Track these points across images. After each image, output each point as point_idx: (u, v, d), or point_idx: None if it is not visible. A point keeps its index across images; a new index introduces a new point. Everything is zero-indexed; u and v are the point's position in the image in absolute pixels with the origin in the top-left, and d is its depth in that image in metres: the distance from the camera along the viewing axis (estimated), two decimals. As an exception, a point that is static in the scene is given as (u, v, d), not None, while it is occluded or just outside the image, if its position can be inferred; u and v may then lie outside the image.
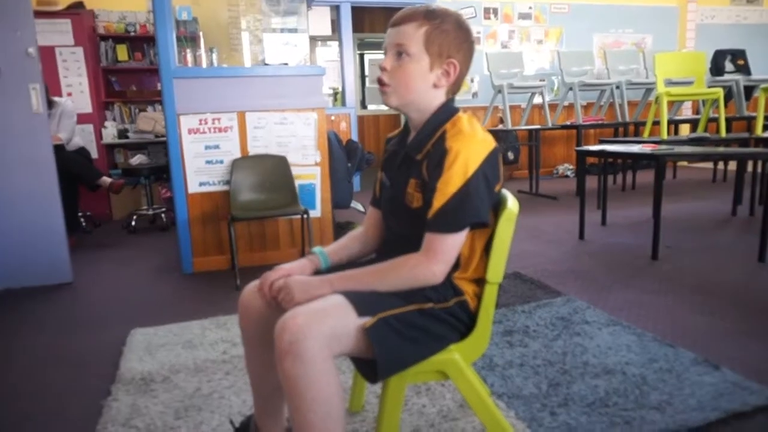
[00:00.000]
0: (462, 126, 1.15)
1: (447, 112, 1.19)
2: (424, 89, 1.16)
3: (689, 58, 5.15)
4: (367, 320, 1.04)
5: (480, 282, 1.20)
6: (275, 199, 3.20)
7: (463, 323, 1.18)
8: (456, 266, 1.16)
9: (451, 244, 1.11)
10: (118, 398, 1.73)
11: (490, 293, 1.18)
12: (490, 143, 1.15)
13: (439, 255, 1.10)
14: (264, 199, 3.19)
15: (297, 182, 3.29)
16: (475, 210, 1.11)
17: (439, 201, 1.11)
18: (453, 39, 1.14)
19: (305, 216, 3.04)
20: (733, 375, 1.72)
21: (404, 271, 1.11)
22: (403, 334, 1.08)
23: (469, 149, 1.11)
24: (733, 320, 2.18)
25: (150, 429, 1.54)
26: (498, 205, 1.19)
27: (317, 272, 1.25)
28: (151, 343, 2.16)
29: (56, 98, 4.34)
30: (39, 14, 4.57)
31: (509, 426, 1.24)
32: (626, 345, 1.97)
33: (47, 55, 4.88)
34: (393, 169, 1.27)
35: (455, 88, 1.20)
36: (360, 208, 3.99)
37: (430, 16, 1.14)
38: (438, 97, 1.18)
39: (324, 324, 0.99)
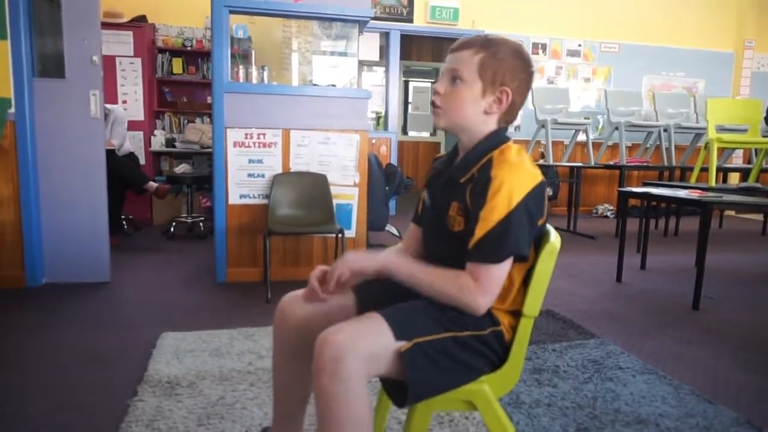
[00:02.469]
0: (509, 155, 1.15)
1: (497, 139, 1.19)
2: (474, 114, 1.17)
3: (744, 105, 5.02)
4: (404, 344, 1.03)
5: (516, 314, 1.18)
6: (312, 217, 3.23)
7: (496, 354, 1.16)
8: (500, 298, 1.14)
9: (496, 276, 1.10)
10: (143, 399, 1.75)
11: (526, 327, 1.16)
12: (536, 176, 1.14)
13: (485, 286, 1.09)
14: (301, 215, 3.23)
15: (335, 201, 3.32)
16: (515, 242, 1.10)
17: (481, 230, 1.11)
18: (507, 67, 1.15)
19: (340, 235, 3.06)
20: (777, 438, 1.62)
21: (453, 286, 1.10)
22: (436, 362, 1.07)
23: (514, 180, 1.11)
24: (778, 380, 2.07)
25: (172, 433, 1.55)
26: (540, 238, 1.17)
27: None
28: (180, 347, 2.19)
29: (109, 105, 4.53)
30: (105, 25, 4.82)
31: None
32: (661, 396, 1.89)
33: (108, 63, 5.13)
34: (436, 190, 1.28)
35: (509, 117, 1.20)
36: (394, 231, 3.99)
37: (487, 44, 1.16)
38: (489, 124, 1.19)
39: (364, 343, 0.99)
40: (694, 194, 3.24)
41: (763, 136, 4.80)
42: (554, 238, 1.16)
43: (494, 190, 1.10)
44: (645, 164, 5.73)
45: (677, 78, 7.09)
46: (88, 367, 2.04)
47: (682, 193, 3.30)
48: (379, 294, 1.24)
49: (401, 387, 1.05)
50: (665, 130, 5.91)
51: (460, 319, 1.11)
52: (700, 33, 7.13)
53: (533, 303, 1.15)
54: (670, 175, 5.90)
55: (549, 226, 1.20)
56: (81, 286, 3.09)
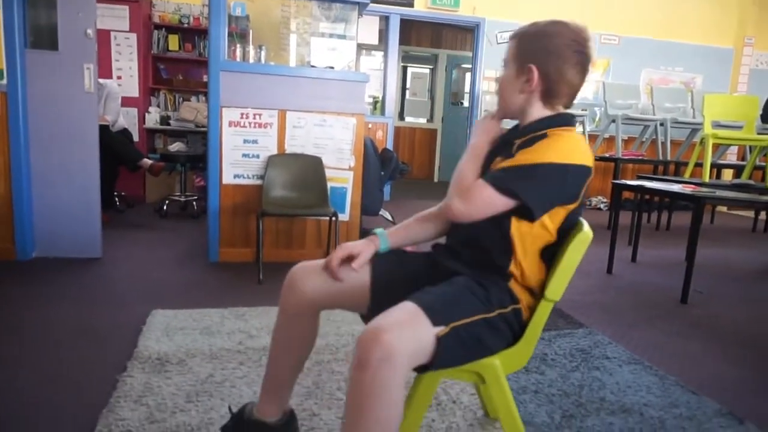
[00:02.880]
0: (569, 134, 1.20)
1: (559, 119, 1.24)
2: (511, 95, 1.26)
3: (740, 102, 5.02)
4: (441, 329, 1.05)
5: (533, 293, 1.22)
6: (306, 199, 3.22)
7: (512, 332, 1.19)
8: (508, 259, 1.19)
9: (485, 195, 1.15)
10: (132, 375, 1.75)
11: (545, 309, 1.19)
12: (586, 158, 1.18)
13: (469, 196, 1.17)
14: (295, 197, 3.22)
15: (329, 184, 3.31)
16: (527, 188, 1.13)
17: (507, 163, 1.18)
18: (535, 46, 1.21)
19: (334, 218, 3.06)
20: (758, 431, 1.64)
21: (453, 183, 1.24)
22: (466, 342, 1.10)
23: (563, 148, 1.16)
24: (763, 374, 2.10)
25: (160, 408, 1.56)
26: (574, 227, 1.20)
27: (376, 254, 1.30)
28: (170, 325, 2.19)
29: (102, 80, 4.47)
30: (101, -2, 4.75)
31: None
32: (647, 386, 1.91)
33: (102, 38, 5.06)
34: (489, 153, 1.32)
35: (553, 97, 1.23)
36: (388, 216, 3.99)
37: (525, 28, 1.24)
38: (534, 105, 1.24)
39: (411, 342, 1.00)
40: (687, 189, 3.26)
41: (759, 134, 4.81)
42: (587, 228, 1.18)
43: (541, 144, 1.17)
44: (640, 158, 5.74)
45: (676, 73, 7.08)
46: (78, 341, 2.03)
47: (675, 188, 3.32)
48: (393, 273, 1.28)
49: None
50: (662, 125, 5.92)
51: (487, 298, 1.14)
52: (700, 28, 7.11)
53: (557, 288, 1.17)
54: (665, 169, 5.93)
55: (583, 219, 1.23)
56: (72, 261, 3.07)
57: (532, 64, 1.20)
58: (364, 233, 3.67)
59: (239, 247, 3.32)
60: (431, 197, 6.94)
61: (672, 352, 2.26)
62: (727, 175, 6.50)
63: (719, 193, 3.22)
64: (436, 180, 9.34)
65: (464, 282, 1.17)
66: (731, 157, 7.11)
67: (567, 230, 1.21)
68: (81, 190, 3.13)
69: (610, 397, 1.81)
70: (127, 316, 2.30)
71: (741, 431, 1.64)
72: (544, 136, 1.20)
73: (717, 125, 5.12)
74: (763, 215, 5.94)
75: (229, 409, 1.40)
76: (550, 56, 1.19)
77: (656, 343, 2.36)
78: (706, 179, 4.41)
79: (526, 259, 1.20)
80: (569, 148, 1.16)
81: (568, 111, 1.28)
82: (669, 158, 5.90)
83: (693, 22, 7.06)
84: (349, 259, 1.27)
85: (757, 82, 7.27)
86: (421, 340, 1.02)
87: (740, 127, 4.81)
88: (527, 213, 1.16)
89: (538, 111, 1.25)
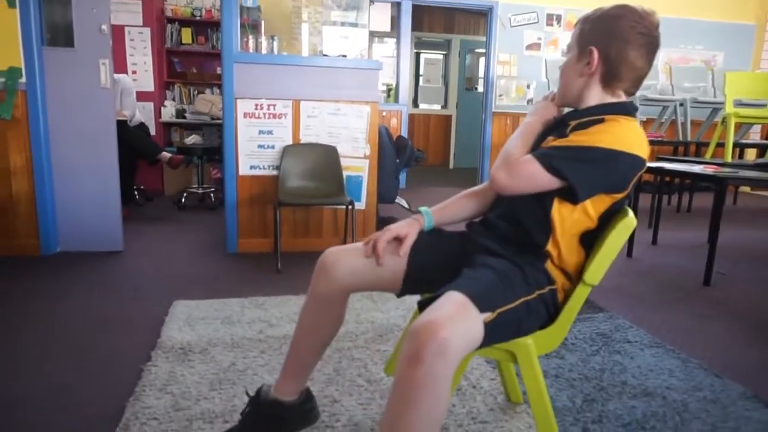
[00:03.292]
0: (628, 122, 1.18)
1: (620, 107, 1.22)
2: (572, 79, 1.26)
3: (764, 79, 4.89)
4: (488, 315, 1.06)
5: (569, 276, 1.22)
6: (322, 188, 3.23)
7: (548, 313, 1.20)
8: (546, 238, 1.19)
9: (529, 170, 1.16)
10: (157, 364, 1.78)
11: (582, 293, 1.18)
12: (642, 149, 1.16)
13: (513, 167, 1.18)
14: (311, 186, 3.23)
15: (345, 173, 3.32)
16: (574, 169, 1.12)
17: (558, 142, 1.18)
18: (597, 28, 1.21)
19: (350, 207, 3.06)
20: (784, 412, 1.62)
21: (503, 152, 1.24)
22: (510, 327, 1.12)
23: (621, 136, 1.14)
24: (787, 356, 2.06)
25: (185, 396, 1.59)
26: (618, 212, 1.19)
27: (421, 232, 1.32)
28: (192, 315, 2.22)
29: (115, 75, 4.51)
30: (114, -7, 4.79)
31: (557, 427, 1.21)
32: (669, 369, 1.89)
33: (116, 33, 5.10)
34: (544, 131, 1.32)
35: (613, 81, 1.21)
36: (404, 204, 3.99)
37: (588, 13, 1.24)
38: (591, 88, 1.23)
39: (463, 336, 1.00)
40: (708, 170, 3.19)
41: (782, 111, 4.69)
42: (632, 215, 1.17)
43: (598, 128, 1.16)
44: (660, 139, 5.64)
45: (696, 51, 6.92)
46: (102, 332, 2.08)
47: (696, 169, 3.26)
48: (429, 255, 1.29)
49: None
50: (681, 105, 5.79)
51: (526, 280, 1.15)
52: (721, 4, 6.92)
53: (596, 272, 1.16)
54: (686, 150, 5.82)
55: (627, 207, 1.22)
56: (94, 255, 3.13)
57: (592, 46, 1.19)
58: (381, 221, 3.69)
59: (257, 238, 3.35)
60: (447, 184, 6.91)
61: (695, 335, 2.24)
62: (750, 154, 6.36)
63: (742, 173, 3.16)
64: (451, 167, 9.30)
65: (503, 265, 1.16)
66: (754, 136, 6.94)
67: (609, 216, 1.20)
68: (101, 184, 3.18)
69: (631, 380, 1.80)
70: (149, 307, 2.34)
71: (766, 414, 1.62)
72: (602, 120, 1.18)
73: (739, 104, 4.99)
74: (787, 195, 5.81)
75: (246, 393, 1.42)
76: (611, 38, 1.18)
77: (678, 326, 2.33)
78: (729, 159, 4.32)
79: (564, 241, 1.19)
80: (625, 135, 1.14)
81: (630, 100, 1.25)
82: (689, 139, 5.78)
83: (713, -2, 6.88)
84: (394, 241, 1.29)
85: (781, 58, 7.07)
86: (471, 330, 1.03)
87: (764, 105, 4.69)
88: (571, 195, 1.14)
89: (598, 95, 1.23)
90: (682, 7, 6.73)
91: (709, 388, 1.77)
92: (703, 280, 2.93)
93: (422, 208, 1.36)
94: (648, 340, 2.14)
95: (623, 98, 1.23)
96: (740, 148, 5.96)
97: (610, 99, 1.23)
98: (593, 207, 1.18)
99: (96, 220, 3.20)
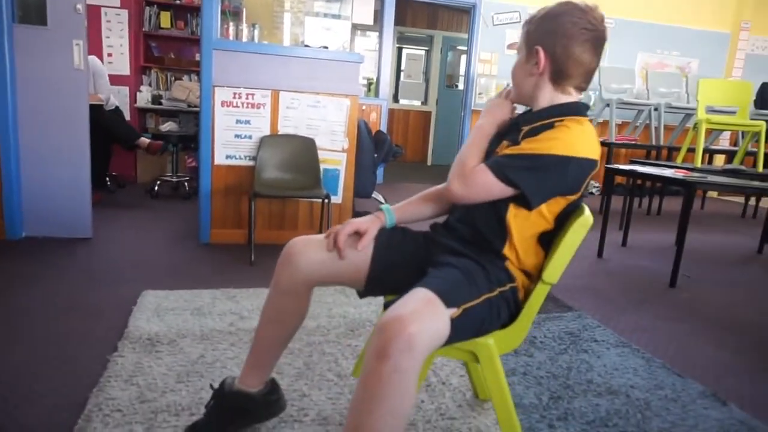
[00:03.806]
0: (577, 125, 1.18)
1: (573, 108, 1.23)
2: (522, 79, 1.27)
3: (735, 87, 5.02)
4: (454, 311, 1.07)
5: (529, 275, 1.24)
6: (299, 180, 3.21)
7: (508, 311, 1.21)
8: (502, 243, 1.21)
9: (483, 180, 1.17)
10: (123, 354, 1.75)
11: (542, 292, 1.20)
12: (593, 151, 1.17)
13: (468, 178, 1.19)
14: (288, 178, 3.20)
15: (322, 166, 3.30)
16: (526, 178, 1.14)
17: (511, 150, 1.19)
18: (542, 28, 1.22)
19: (326, 200, 3.05)
20: (741, 413, 1.68)
21: (455, 163, 1.24)
22: (474, 324, 1.13)
23: (571, 139, 1.15)
24: (746, 358, 2.13)
25: (151, 388, 1.57)
26: (574, 211, 1.21)
27: (382, 229, 1.32)
28: (161, 305, 2.19)
29: None
30: (90, -27, 4.66)
31: (519, 426, 1.23)
32: (633, 368, 1.94)
33: (92, 14, 4.97)
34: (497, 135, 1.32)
35: (561, 79, 1.22)
36: (381, 199, 3.99)
37: (533, 14, 1.25)
38: (542, 88, 1.24)
39: (430, 332, 1.00)
40: (678, 174, 3.27)
41: (752, 119, 4.82)
42: (588, 213, 1.19)
43: (548, 135, 1.16)
44: (634, 142, 5.75)
45: (672, 57, 7.06)
46: (68, 321, 2.03)
47: (667, 173, 3.33)
48: (393, 252, 1.29)
49: None
50: (656, 109, 5.91)
51: (488, 278, 1.16)
52: (697, 12, 7.07)
53: (554, 270, 1.18)
54: (658, 154, 5.94)
55: (584, 204, 1.24)
56: (62, 241, 3.06)
57: (538, 46, 1.20)
58: (357, 215, 3.67)
59: (231, 229, 3.31)
60: (425, 180, 6.93)
61: (659, 335, 2.29)
62: (719, 160, 6.53)
63: (710, 178, 3.24)
64: (429, 163, 9.33)
65: (466, 264, 1.18)
66: (723, 142, 7.13)
67: (566, 216, 1.22)
68: (71, 169, 3.10)
69: (597, 379, 1.84)
70: (117, 296, 2.30)
71: (724, 412, 1.67)
72: (551, 126, 1.19)
73: (711, 110, 5.12)
74: (753, 201, 5.98)
75: (210, 385, 1.41)
76: (555, 35, 1.19)
77: (644, 326, 2.39)
78: (698, 164, 4.43)
79: (522, 244, 1.21)
80: (575, 140, 1.15)
81: (580, 99, 1.26)
82: (662, 143, 5.91)
83: (690, 5, 7.01)
84: (354, 235, 1.28)
85: (753, 67, 7.26)
86: (438, 326, 1.03)
87: (734, 113, 4.82)
88: (525, 201, 1.17)
89: (549, 94, 1.24)
90: (660, 14, 6.85)
91: (671, 387, 1.82)
92: (670, 281, 3.00)
93: (384, 206, 1.36)
94: (614, 339, 2.19)
95: (574, 95, 1.25)
96: (710, 153, 6.12)
97: (561, 97, 1.24)
98: (548, 209, 1.20)
99: (65, 206, 3.12)
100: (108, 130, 4.29)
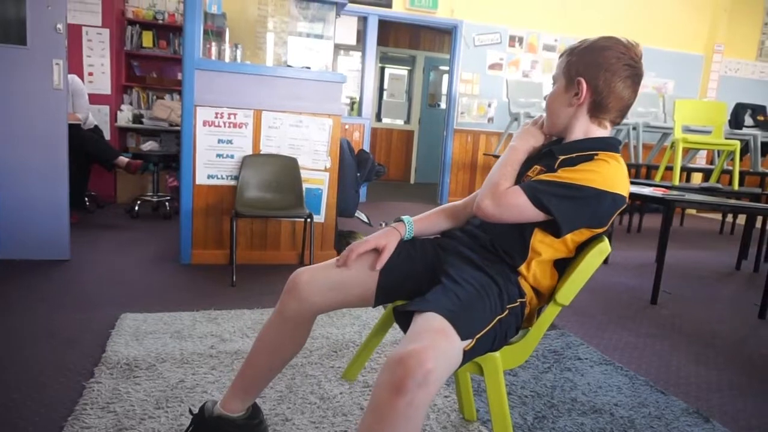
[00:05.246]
0: (615, 161, 1.20)
1: (608, 142, 1.24)
2: (560, 108, 1.27)
3: (709, 107, 5.15)
4: (468, 343, 1.07)
5: (538, 294, 1.25)
6: (281, 200, 3.19)
7: (516, 327, 1.22)
8: (521, 261, 1.22)
9: (515, 202, 1.17)
10: (100, 381, 1.71)
11: (552, 312, 1.22)
12: (626, 189, 1.19)
13: (499, 197, 1.19)
14: (270, 198, 3.19)
15: (305, 185, 3.29)
16: (561, 207, 1.14)
17: (546, 177, 1.19)
18: (585, 60, 1.22)
19: (309, 220, 3.03)
20: (723, 429, 1.69)
21: (487, 180, 1.25)
22: (484, 347, 1.13)
23: (609, 175, 1.16)
24: (728, 374, 2.15)
25: (129, 415, 1.52)
26: (594, 238, 1.23)
27: (401, 241, 1.31)
28: (140, 329, 2.15)
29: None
30: (71, -8, 4.64)
31: None
32: (617, 386, 1.94)
33: (74, 33, 4.94)
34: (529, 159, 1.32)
35: (602, 113, 1.24)
36: (364, 218, 3.98)
37: (574, 44, 1.26)
38: (581, 120, 1.25)
39: (446, 364, 1.00)
40: (657, 192, 3.32)
41: (726, 138, 4.94)
42: (606, 242, 1.21)
43: (587, 167, 1.17)
44: (613, 161, 5.83)
45: (648, 77, 7.21)
46: (43, 346, 1.98)
47: (646, 191, 3.38)
48: (402, 273, 1.28)
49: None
50: (634, 128, 6.03)
51: (500, 296, 1.16)
52: (673, 35, 7.27)
53: (568, 293, 1.20)
54: (637, 172, 6.04)
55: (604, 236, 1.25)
56: (39, 264, 2.99)
57: (581, 77, 1.21)
58: (340, 235, 3.66)
59: (212, 249, 3.28)
60: (408, 199, 6.95)
61: (642, 353, 2.30)
62: (697, 178, 6.66)
63: (688, 196, 3.30)
64: (412, 182, 9.36)
65: (480, 279, 1.17)
66: (700, 160, 7.29)
67: (585, 243, 1.24)
68: (49, 190, 3.05)
69: (581, 397, 1.84)
70: (95, 320, 2.25)
71: (707, 429, 1.68)
72: (590, 158, 1.20)
73: (687, 130, 5.24)
74: (729, 218, 6.10)
75: (189, 410, 1.38)
76: (599, 69, 1.20)
77: (627, 343, 2.40)
78: (676, 182, 4.51)
79: (540, 266, 1.23)
80: (612, 176, 1.17)
81: (614, 136, 1.28)
82: (641, 161, 6.02)
83: (666, 28, 7.22)
84: (372, 252, 1.28)
85: (726, 88, 7.47)
86: (452, 359, 1.03)
87: (709, 132, 4.93)
88: (554, 228, 1.17)
89: (584, 125, 1.25)
90: (637, 35, 6.95)
91: (654, 404, 1.82)
92: (651, 298, 3.03)
93: (405, 217, 1.36)
94: (598, 357, 2.19)
95: (608, 129, 1.27)
96: (687, 171, 6.24)
97: (596, 129, 1.25)
98: (572, 239, 1.22)
99: (42, 227, 3.06)
100: (86, 150, 4.23)
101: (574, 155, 1.22)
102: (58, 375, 1.76)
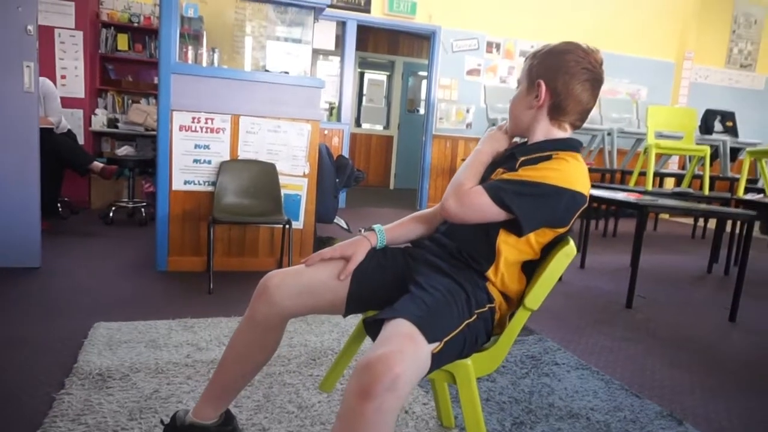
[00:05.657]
0: (574, 160, 1.22)
1: (568, 143, 1.27)
2: (521, 110, 1.30)
3: (680, 114, 5.27)
4: (436, 346, 1.07)
5: (507, 299, 1.26)
6: (259, 206, 3.17)
7: (486, 332, 1.22)
8: (488, 265, 1.23)
9: (478, 202, 1.19)
10: (71, 392, 1.67)
11: (522, 317, 1.22)
12: (585, 187, 1.21)
13: (463, 197, 1.20)
14: (248, 204, 3.16)
15: (283, 191, 3.27)
16: (522, 204, 1.16)
17: (508, 176, 1.21)
18: (543, 63, 1.25)
19: (287, 226, 3.01)
20: (696, 431, 1.72)
21: (452, 182, 1.26)
22: (453, 351, 1.13)
23: (568, 173, 1.18)
24: (700, 376, 2.19)
25: (101, 427, 1.49)
26: (558, 242, 1.24)
27: (373, 250, 1.31)
28: (114, 338, 2.10)
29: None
30: (44, -6, 4.55)
31: None
32: (593, 390, 1.96)
33: (46, 35, 4.84)
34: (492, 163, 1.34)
35: (561, 115, 1.26)
36: (343, 224, 3.97)
37: (536, 49, 1.29)
38: (539, 121, 1.27)
39: (414, 368, 1.00)
40: (631, 197, 3.39)
41: (697, 144, 5.06)
42: (572, 244, 1.22)
43: (546, 165, 1.20)
44: (589, 166, 5.92)
45: (622, 84, 7.37)
46: (11, 357, 1.92)
47: (621, 196, 3.44)
48: (372, 282, 1.28)
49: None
50: (609, 134, 6.14)
51: (468, 301, 1.17)
52: (645, 42, 7.43)
53: (536, 297, 1.20)
54: (612, 177, 6.15)
55: (569, 237, 1.26)
56: (7, 271, 2.91)
57: (541, 80, 1.24)
58: (319, 241, 3.65)
59: (189, 256, 3.23)
60: (387, 205, 6.96)
61: (617, 357, 2.34)
62: (669, 183, 6.81)
63: (661, 201, 3.37)
64: (392, 187, 9.38)
65: (447, 285, 1.18)
66: (673, 166, 7.45)
67: (551, 245, 1.25)
68: (19, 196, 2.97)
69: (558, 402, 1.85)
70: (67, 329, 2.19)
71: (680, 431, 1.71)
72: (550, 157, 1.22)
73: (660, 135, 5.35)
74: (701, 222, 6.24)
75: (161, 421, 1.35)
76: (558, 72, 1.23)
77: (603, 347, 2.43)
78: (650, 188, 4.60)
79: (507, 269, 1.24)
80: (571, 173, 1.19)
81: (574, 136, 1.30)
82: (615, 167, 6.13)
83: (638, 35, 7.37)
84: (339, 260, 1.28)
85: (697, 95, 7.66)
86: (421, 363, 1.03)
87: (681, 138, 5.04)
88: (516, 227, 1.19)
89: (545, 128, 1.27)
90: (610, 42, 7.16)
91: (629, 408, 1.85)
92: (626, 302, 3.08)
93: (376, 226, 1.36)
94: (575, 362, 2.22)
95: (569, 131, 1.29)
96: (660, 177, 6.38)
97: (557, 132, 1.28)
98: (536, 239, 1.23)
99: (11, 233, 2.98)
100: (59, 154, 4.15)
101: (534, 156, 1.25)
102: (27, 386, 1.71)
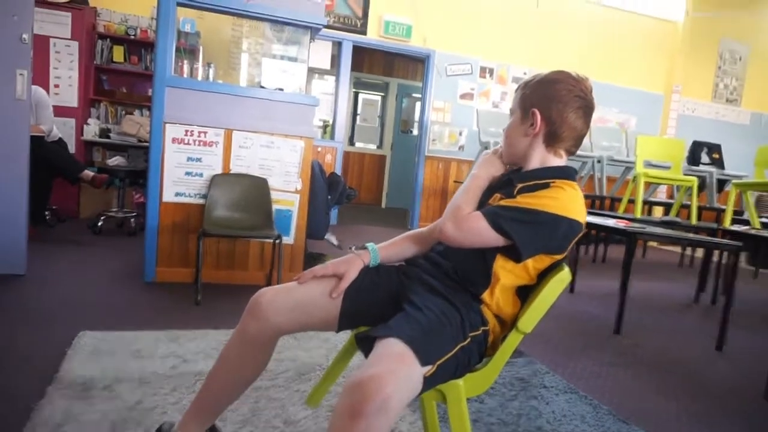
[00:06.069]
0: (571, 188, 1.23)
1: (565, 171, 1.28)
2: (517, 138, 1.31)
3: (669, 144, 5.37)
4: (429, 369, 1.06)
5: (501, 321, 1.26)
6: (250, 220, 3.15)
7: (479, 354, 1.22)
8: (484, 289, 1.23)
9: (476, 226, 1.19)
10: (52, 402, 1.63)
11: (515, 340, 1.22)
12: (581, 216, 1.22)
13: (461, 222, 1.21)
14: (238, 218, 3.15)
15: (274, 206, 3.27)
16: (520, 231, 1.16)
17: (506, 202, 1.22)
18: (536, 93, 1.27)
19: (278, 241, 3.00)
20: (683, 458, 1.71)
21: (449, 205, 1.28)
22: (445, 374, 1.12)
23: (566, 202, 1.19)
24: (686, 403, 2.19)
25: (81, 439, 1.45)
26: (554, 266, 1.24)
27: (366, 268, 1.31)
28: (98, 348, 2.06)
29: None
30: (40, 3, 4.57)
31: None
32: (581, 415, 1.95)
33: (41, 44, 4.84)
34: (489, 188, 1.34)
35: (556, 143, 1.28)
36: (334, 241, 3.96)
37: (528, 78, 1.31)
38: (535, 148, 1.29)
39: (405, 389, 0.99)
40: (621, 224, 3.42)
41: (685, 174, 5.14)
42: (567, 270, 1.23)
43: (545, 193, 1.21)
44: (578, 192, 5.98)
45: (612, 113, 7.50)
46: (-8, 365, 1.88)
47: (610, 222, 3.48)
48: (365, 300, 1.28)
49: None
50: (599, 161, 6.22)
51: (462, 324, 1.17)
52: (635, 74, 7.59)
53: (530, 320, 1.20)
54: (601, 204, 6.21)
55: (564, 263, 1.27)
56: (-9, 278, 2.86)
57: (535, 109, 1.26)
58: (309, 257, 3.63)
59: (177, 267, 3.20)
60: (378, 223, 6.96)
61: (605, 381, 2.33)
62: (658, 212, 6.89)
63: (649, 229, 3.40)
64: (383, 206, 9.40)
65: (442, 306, 1.18)
66: (661, 195, 7.55)
67: (546, 270, 1.26)
68: (6, 203, 2.94)
69: (546, 426, 1.84)
70: (50, 338, 2.15)
71: (668, 459, 1.70)
72: (548, 185, 1.23)
73: (648, 164, 5.43)
74: (689, 251, 6.30)
75: (146, 434, 1.33)
76: (552, 101, 1.25)
77: (591, 372, 2.43)
78: (638, 215, 4.65)
79: (502, 293, 1.24)
80: (569, 202, 1.20)
81: (570, 165, 1.32)
82: (605, 194, 6.19)
83: (629, 67, 7.53)
84: (331, 278, 1.28)
85: (684, 126, 7.81)
86: (412, 385, 1.02)
87: (669, 167, 5.12)
88: (514, 253, 1.19)
89: (541, 155, 1.29)
90: (601, 72, 7.30)
91: (617, 433, 1.84)
92: (615, 328, 3.09)
93: (369, 245, 1.36)
94: (563, 385, 2.21)
95: (564, 158, 1.31)
96: (649, 205, 6.45)
97: (552, 158, 1.29)
98: (533, 265, 1.24)
99: (-3, 240, 2.94)
100: (49, 162, 4.12)
101: (531, 183, 1.26)
102: (6, 395, 1.67)
